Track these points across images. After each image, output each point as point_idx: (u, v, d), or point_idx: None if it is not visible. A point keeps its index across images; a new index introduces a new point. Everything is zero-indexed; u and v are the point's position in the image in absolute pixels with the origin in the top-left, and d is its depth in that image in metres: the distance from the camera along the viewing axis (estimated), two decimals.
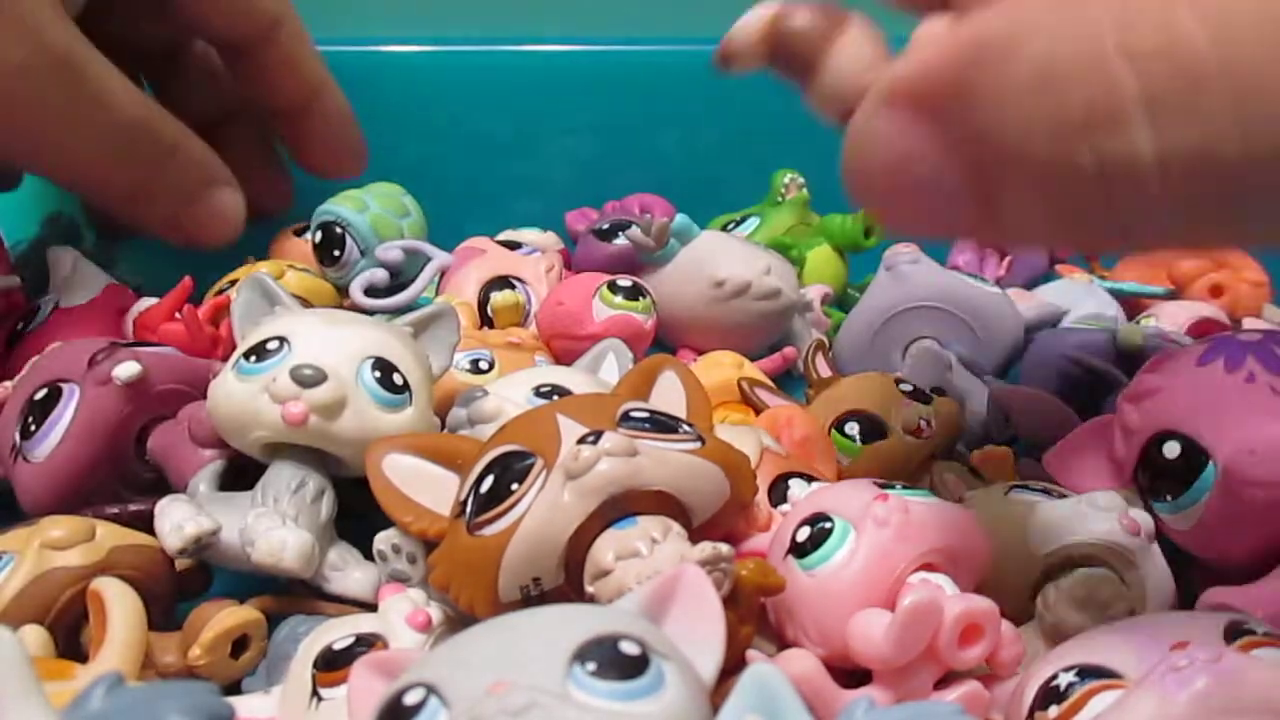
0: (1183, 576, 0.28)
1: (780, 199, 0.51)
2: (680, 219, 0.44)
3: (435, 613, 0.26)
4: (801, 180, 0.51)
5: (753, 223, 0.51)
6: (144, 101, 0.40)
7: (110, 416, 0.32)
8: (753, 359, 0.42)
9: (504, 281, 0.45)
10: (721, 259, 0.43)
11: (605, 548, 0.24)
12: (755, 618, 0.24)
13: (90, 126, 0.38)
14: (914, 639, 0.23)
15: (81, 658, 0.26)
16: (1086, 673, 0.22)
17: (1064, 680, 0.22)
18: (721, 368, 0.39)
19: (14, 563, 0.27)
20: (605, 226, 0.47)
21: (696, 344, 0.43)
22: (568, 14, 0.59)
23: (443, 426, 0.32)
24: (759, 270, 0.42)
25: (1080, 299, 0.45)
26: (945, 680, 0.24)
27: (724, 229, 0.50)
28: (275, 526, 0.29)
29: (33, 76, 0.35)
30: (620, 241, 0.46)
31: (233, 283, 0.45)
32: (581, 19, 0.58)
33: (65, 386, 0.33)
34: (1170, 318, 0.44)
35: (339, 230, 0.43)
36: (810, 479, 0.31)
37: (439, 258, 0.43)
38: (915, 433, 0.35)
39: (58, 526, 0.28)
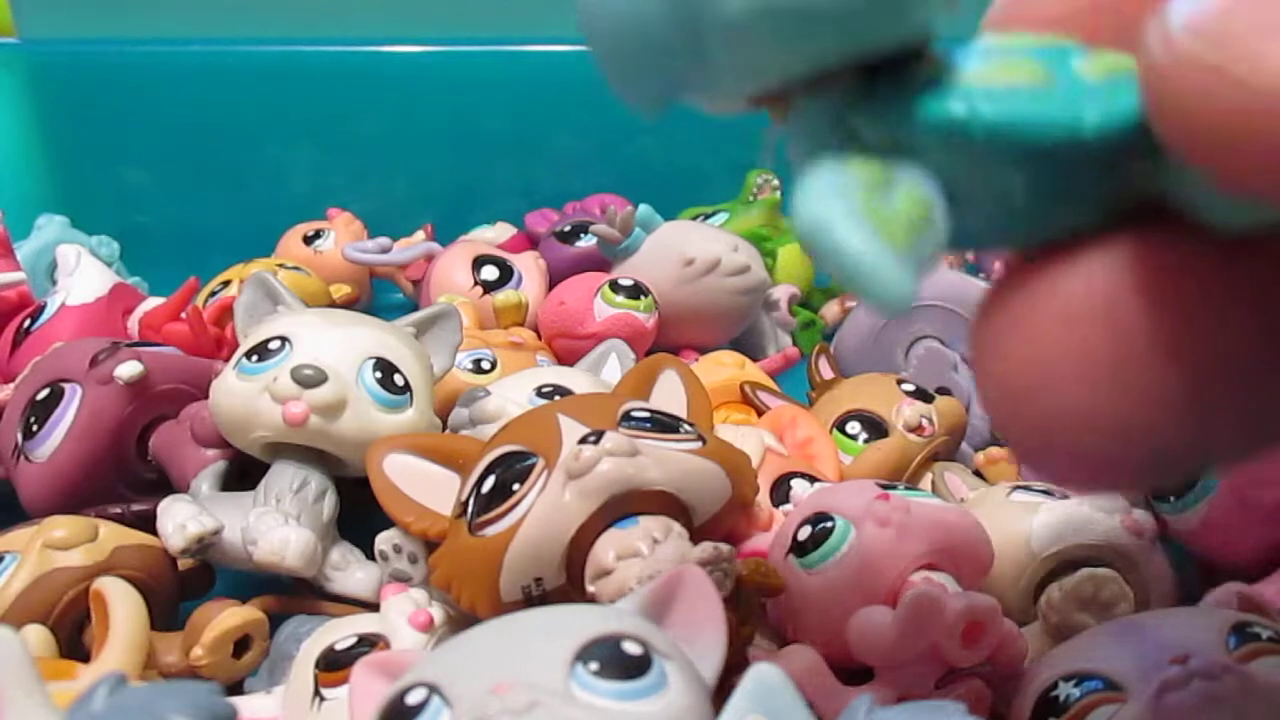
0: (1183, 576, 0.28)
1: (751, 198, 0.51)
2: (643, 208, 0.44)
3: (437, 613, 0.26)
4: (776, 182, 0.51)
5: (721, 217, 0.51)
6: None
7: (112, 416, 0.32)
8: (732, 347, 0.42)
9: (494, 260, 0.46)
10: (689, 239, 0.43)
11: (606, 547, 0.24)
12: (756, 617, 0.24)
13: None
14: (917, 634, 0.23)
15: (84, 658, 0.26)
16: (1086, 679, 0.22)
17: (1063, 692, 0.22)
18: (723, 368, 0.39)
19: (17, 563, 0.27)
20: (566, 229, 0.48)
21: (669, 331, 0.43)
22: (563, 14, 0.59)
23: (444, 426, 0.32)
24: (727, 246, 0.43)
25: None
26: (945, 678, 0.24)
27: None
28: (277, 526, 0.29)
29: None
30: (584, 242, 0.46)
31: (224, 284, 0.45)
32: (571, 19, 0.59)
33: (67, 386, 0.33)
34: None
35: None
36: (813, 479, 0.31)
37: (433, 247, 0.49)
38: (917, 431, 0.35)
39: (60, 526, 0.28)
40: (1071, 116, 0.12)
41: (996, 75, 0.12)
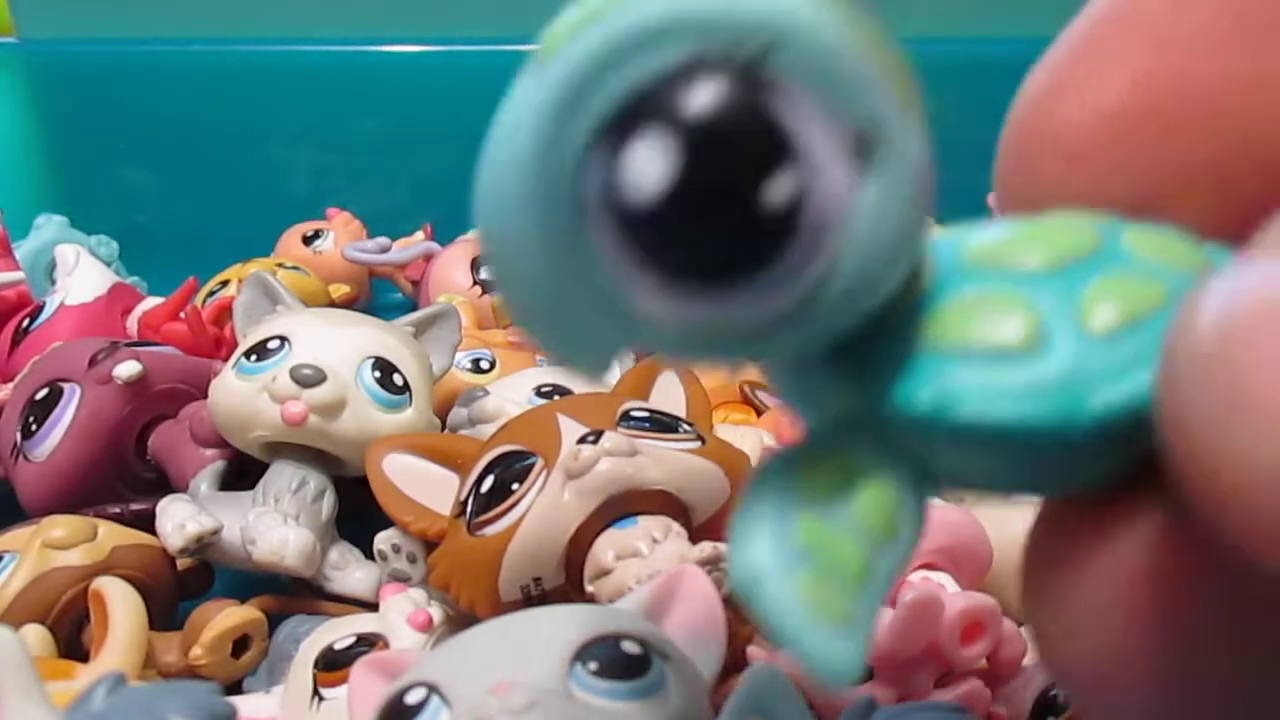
0: None
1: None
2: None
3: (436, 612, 0.26)
4: None
5: None
6: None
7: (111, 416, 0.32)
8: None
9: None
10: None
11: (606, 547, 0.24)
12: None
13: None
14: (915, 633, 0.23)
15: (83, 657, 0.26)
16: None
17: (1062, 692, 0.22)
18: None
19: (16, 562, 0.27)
20: None
21: None
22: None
23: (444, 426, 0.32)
24: None
25: None
26: (945, 679, 0.24)
27: None
28: (276, 525, 0.29)
29: None
30: None
31: (223, 283, 0.45)
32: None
33: (66, 386, 0.33)
34: None
35: None
36: None
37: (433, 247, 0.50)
38: None
39: (59, 526, 0.28)
40: (1064, 407, 0.09)
41: (980, 328, 0.10)
